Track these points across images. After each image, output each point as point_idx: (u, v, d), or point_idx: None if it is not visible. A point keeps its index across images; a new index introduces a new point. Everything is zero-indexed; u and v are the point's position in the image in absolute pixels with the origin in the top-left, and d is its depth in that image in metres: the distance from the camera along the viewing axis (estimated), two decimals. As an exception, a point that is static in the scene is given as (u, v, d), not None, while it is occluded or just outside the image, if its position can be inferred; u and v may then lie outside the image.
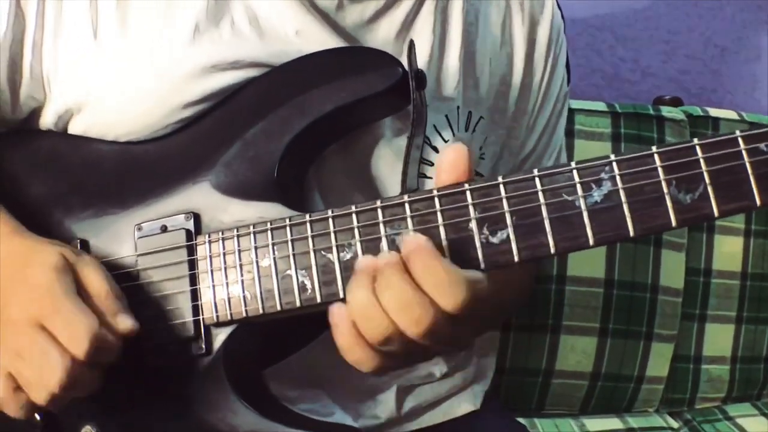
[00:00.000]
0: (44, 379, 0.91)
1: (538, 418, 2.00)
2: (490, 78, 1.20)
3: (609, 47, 2.64)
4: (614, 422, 2.05)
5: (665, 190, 0.81)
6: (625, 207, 0.82)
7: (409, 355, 0.86)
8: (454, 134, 1.15)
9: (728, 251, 2.19)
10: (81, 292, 0.94)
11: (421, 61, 1.10)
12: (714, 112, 2.26)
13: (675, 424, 2.10)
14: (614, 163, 0.83)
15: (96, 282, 0.95)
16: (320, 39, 1.06)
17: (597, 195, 0.83)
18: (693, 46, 2.72)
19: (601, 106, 2.12)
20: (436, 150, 1.13)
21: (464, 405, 1.29)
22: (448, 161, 0.88)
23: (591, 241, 0.83)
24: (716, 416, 2.15)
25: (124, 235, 1.02)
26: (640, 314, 2.07)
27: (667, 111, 2.17)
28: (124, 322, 0.94)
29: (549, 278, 1.99)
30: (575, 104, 2.03)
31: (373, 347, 0.84)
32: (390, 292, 0.81)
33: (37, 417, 1.02)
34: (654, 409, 2.16)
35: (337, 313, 0.85)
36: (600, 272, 2.04)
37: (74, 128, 1.10)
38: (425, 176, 1.12)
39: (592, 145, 2.03)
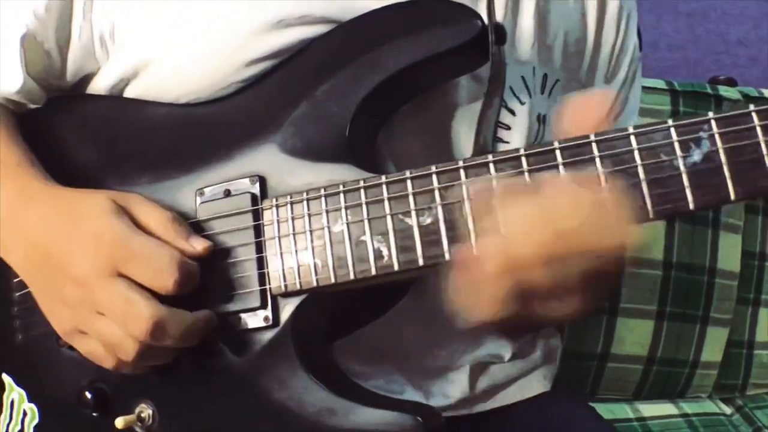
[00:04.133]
0: (132, 328, 0.88)
1: (592, 403, 1.93)
2: (565, 39, 1.16)
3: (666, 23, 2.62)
4: (669, 408, 2.05)
5: (765, 150, 0.76)
6: (726, 168, 0.77)
7: (542, 297, 0.81)
8: (531, 96, 1.10)
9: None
10: (143, 228, 0.92)
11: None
12: (769, 93, 2.27)
13: (728, 410, 2.12)
14: (713, 121, 0.78)
15: (155, 214, 0.93)
16: None
17: (697, 155, 0.78)
18: (746, 27, 2.69)
19: (660, 83, 2.13)
20: (513, 113, 1.09)
21: (536, 385, 1.25)
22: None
23: (691, 205, 0.78)
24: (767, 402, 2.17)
25: (185, 201, 0.98)
26: (697, 297, 2.07)
27: (724, 90, 2.19)
28: (199, 242, 0.93)
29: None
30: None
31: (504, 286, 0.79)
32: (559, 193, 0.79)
33: (88, 395, 0.99)
34: (707, 395, 2.16)
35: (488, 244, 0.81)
36: (658, 254, 2.03)
37: (130, 92, 1.07)
38: (501, 140, 1.08)
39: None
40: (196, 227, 0.96)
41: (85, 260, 0.90)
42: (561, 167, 0.80)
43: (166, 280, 0.88)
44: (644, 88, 1.98)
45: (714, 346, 2.10)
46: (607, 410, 1.96)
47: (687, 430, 1.97)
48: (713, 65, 2.65)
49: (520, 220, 0.79)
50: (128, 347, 0.89)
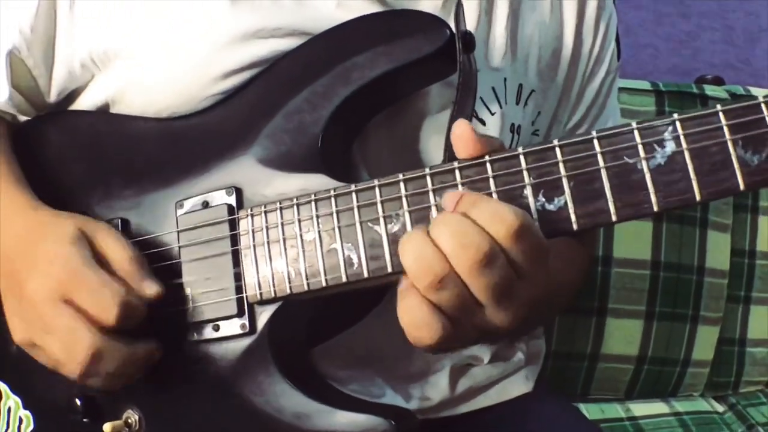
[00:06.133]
0: (73, 354, 0.91)
1: (583, 403, 1.98)
2: (539, 50, 1.17)
3: (651, 24, 2.61)
4: (660, 407, 2.04)
5: (732, 151, 0.75)
6: (691, 169, 0.76)
7: (464, 311, 0.80)
8: (501, 107, 1.11)
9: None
10: (101, 261, 0.93)
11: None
12: (756, 91, 2.23)
13: (720, 408, 2.10)
14: (677, 122, 0.77)
15: (116, 249, 0.95)
16: (362, 11, 1.02)
17: (660, 157, 0.77)
18: (733, 25, 2.68)
19: (645, 84, 2.10)
20: (483, 123, 1.09)
21: (517, 387, 1.26)
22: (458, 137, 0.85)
23: (655, 207, 0.77)
24: (760, 400, 2.15)
25: (166, 213, 1.00)
26: (686, 296, 2.05)
27: (710, 90, 2.16)
28: (150, 287, 0.94)
29: (595, 260, 1.95)
30: (619, 83, 2.00)
31: (430, 302, 0.79)
32: (443, 225, 0.78)
33: (78, 402, 1.00)
34: (699, 393, 2.15)
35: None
36: (646, 254, 2.02)
37: (115, 109, 1.08)
38: None
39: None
40: (176, 238, 0.98)
41: (37, 282, 0.92)
42: (525, 172, 0.81)
43: (107, 315, 0.90)
44: (628, 89, 2.02)
45: (705, 344, 2.08)
46: (598, 410, 1.96)
47: (679, 429, 1.94)
48: (700, 64, 2.65)
49: (410, 240, 0.80)
50: (71, 368, 0.92)
